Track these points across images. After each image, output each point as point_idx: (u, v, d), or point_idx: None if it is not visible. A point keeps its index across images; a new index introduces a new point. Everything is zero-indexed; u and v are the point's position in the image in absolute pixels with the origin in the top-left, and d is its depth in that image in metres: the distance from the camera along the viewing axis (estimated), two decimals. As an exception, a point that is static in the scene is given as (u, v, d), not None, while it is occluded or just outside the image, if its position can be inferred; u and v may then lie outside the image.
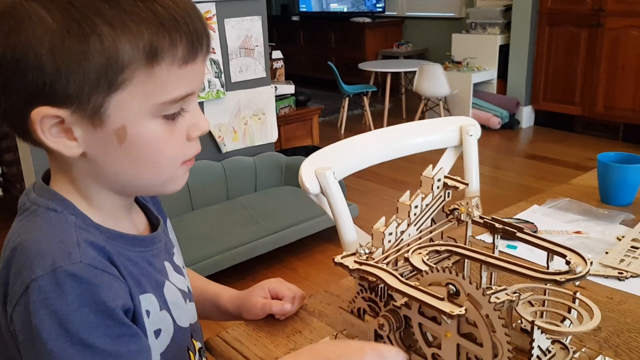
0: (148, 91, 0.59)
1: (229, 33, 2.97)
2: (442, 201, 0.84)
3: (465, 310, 0.62)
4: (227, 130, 3.05)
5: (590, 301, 0.73)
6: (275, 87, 3.33)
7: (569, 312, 0.74)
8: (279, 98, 3.45)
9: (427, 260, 0.73)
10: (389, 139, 1.35)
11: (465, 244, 0.83)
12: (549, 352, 0.71)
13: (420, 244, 0.78)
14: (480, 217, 0.82)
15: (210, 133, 2.98)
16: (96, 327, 0.58)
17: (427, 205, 0.82)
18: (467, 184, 0.84)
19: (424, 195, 0.81)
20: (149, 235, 0.73)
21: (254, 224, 2.73)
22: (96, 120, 0.59)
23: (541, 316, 0.75)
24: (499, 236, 0.80)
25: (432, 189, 0.82)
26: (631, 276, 0.99)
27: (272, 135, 3.24)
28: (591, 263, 0.70)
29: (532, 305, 0.75)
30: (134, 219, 0.74)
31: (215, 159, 2.99)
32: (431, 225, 0.84)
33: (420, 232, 0.82)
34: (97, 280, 0.59)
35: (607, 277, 0.99)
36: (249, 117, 3.13)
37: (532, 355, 0.70)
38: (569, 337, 0.75)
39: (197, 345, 0.79)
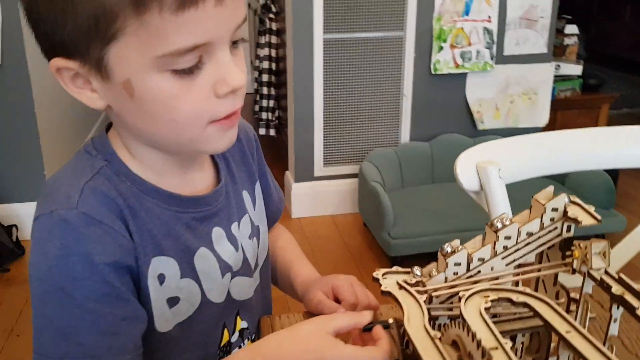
0: (144, 42, 0.53)
1: (511, 1, 2.70)
2: (558, 236, 0.61)
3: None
4: (488, 107, 2.82)
5: None
6: (558, 65, 2.94)
7: None
8: (561, 79, 3.04)
9: (489, 309, 0.54)
10: (598, 142, 1.06)
11: (579, 301, 0.60)
12: None
13: (499, 284, 0.58)
14: (605, 272, 0.57)
15: (467, 106, 2.80)
16: (81, 279, 0.57)
17: (529, 234, 0.60)
18: (598, 220, 0.59)
19: (520, 224, 0.59)
20: (195, 196, 0.68)
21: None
22: (103, 73, 0.56)
23: None
24: (616, 306, 0.55)
25: (542, 220, 0.60)
26: None
27: (542, 119, 2.89)
28: None
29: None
30: (194, 177, 0.69)
31: (468, 135, 2.81)
32: (537, 264, 0.62)
33: (518, 267, 0.61)
34: (88, 231, 0.57)
35: None
36: (517, 95, 2.84)
37: None
38: None
39: (242, 324, 0.74)
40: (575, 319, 0.60)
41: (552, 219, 0.60)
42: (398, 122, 2.81)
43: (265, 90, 3.31)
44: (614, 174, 2.59)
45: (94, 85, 0.59)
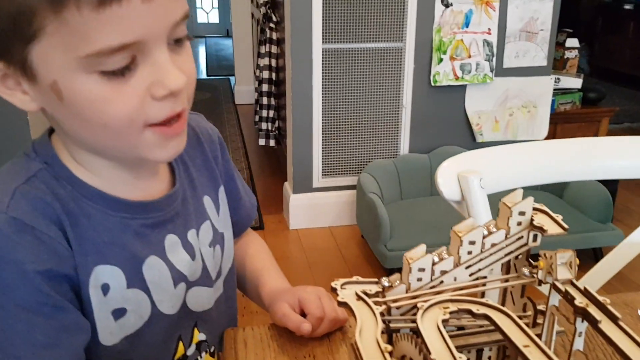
0: (66, 42, 0.50)
1: (511, 13, 2.68)
2: (524, 245, 0.59)
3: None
4: (487, 119, 2.80)
5: None
6: (558, 78, 2.92)
7: None
8: (561, 92, 3.02)
9: (448, 321, 0.52)
10: (581, 153, 1.04)
11: (546, 313, 0.57)
12: None
13: (460, 295, 0.56)
14: (572, 283, 0.55)
15: (467, 118, 2.78)
16: (12, 288, 0.53)
17: (494, 244, 0.58)
18: (565, 229, 0.56)
19: (487, 232, 0.57)
20: (144, 201, 0.64)
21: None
22: (29, 74, 0.54)
23: None
24: (580, 319, 0.53)
25: (508, 224, 0.58)
26: None
27: (541, 132, 2.87)
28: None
29: None
30: (146, 183, 0.66)
31: (467, 147, 2.78)
32: (505, 274, 0.60)
33: (477, 279, 0.59)
34: (18, 237, 0.54)
35: None
36: (517, 108, 2.81)
37: None
38: None
39: (199, 336, 0.71)
40: (542, 332, 0.58)
41: (519, 223, 0.58)
42: (397, 133, 2.80)
43: (265, 100, 3.30)
44: (612, 188, 2.56)
45: (25, 87, 0.56)
